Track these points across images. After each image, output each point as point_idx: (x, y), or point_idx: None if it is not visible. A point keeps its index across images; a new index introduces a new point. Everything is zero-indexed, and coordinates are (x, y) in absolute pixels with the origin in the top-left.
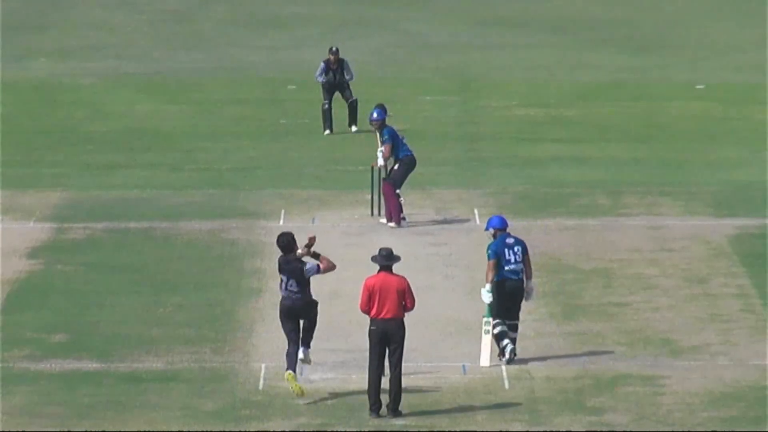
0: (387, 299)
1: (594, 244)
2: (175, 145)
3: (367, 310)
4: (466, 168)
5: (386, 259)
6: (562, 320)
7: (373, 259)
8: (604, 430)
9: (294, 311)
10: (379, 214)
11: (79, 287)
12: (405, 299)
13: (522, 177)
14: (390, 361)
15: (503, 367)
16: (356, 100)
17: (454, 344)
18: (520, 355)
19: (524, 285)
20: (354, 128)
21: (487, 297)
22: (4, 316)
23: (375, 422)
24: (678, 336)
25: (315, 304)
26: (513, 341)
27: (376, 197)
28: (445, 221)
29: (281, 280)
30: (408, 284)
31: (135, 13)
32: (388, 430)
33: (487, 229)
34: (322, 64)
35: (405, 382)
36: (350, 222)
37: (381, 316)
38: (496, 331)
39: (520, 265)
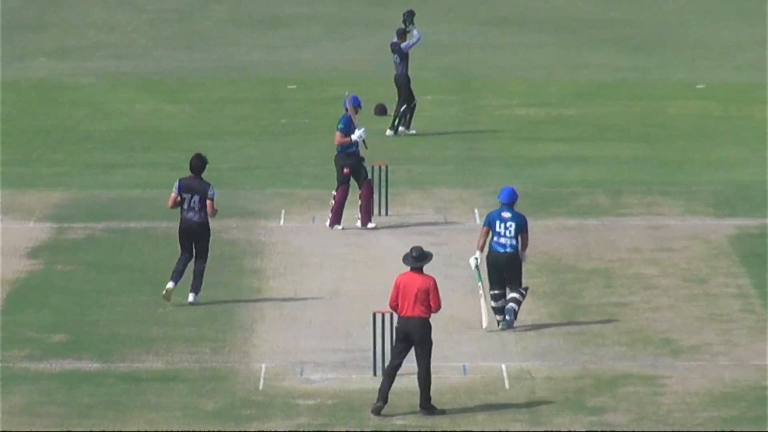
0: (409, 298)
1: (594, 244)
2: (175, 144)
3: (394, 306)
4: (467, 167)
5: (416, 260)
6: (562, 320)
7: (404, 259)
8: (604, 430)
9: (191, 231)
10: (379, 214)
11: (79, 287)
12: (429, 299)
13: (522, 177)
14: (416, 360)
15: (503, 367)
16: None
17: (454, 344)
18: (520, 354)
19: (519, 258)
20: (413, 131)
21: (472, 263)
22: (4, 316)
23: (375, 422)
24: (678, 336)
25: (209, 228)
26: (515, 302)
27: (376, 197)
28: (445, 221)
29: (185, 200)
30: (433, 284)
31: (135, 12)
32: (388, 430)
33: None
34: (417, 35)
35: (405, 382)
36: (350, 222)
37: (403, 314)
38: (491, 305)
39: (511, 240)
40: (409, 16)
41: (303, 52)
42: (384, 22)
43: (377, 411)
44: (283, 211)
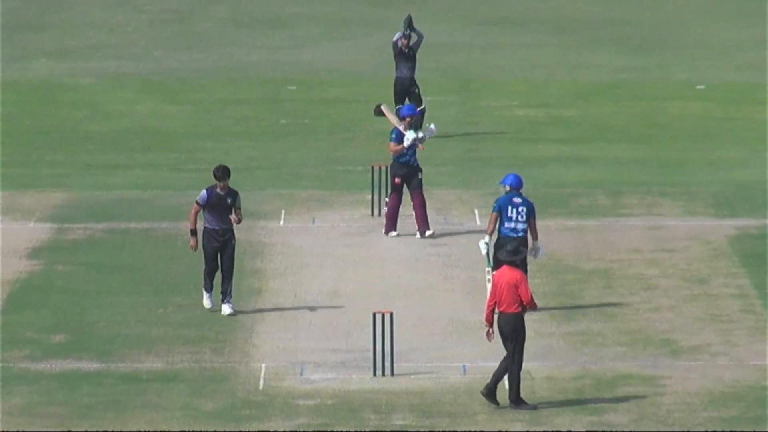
0: (500, 293)
1: (594, 245)
2: (175, 145)
3: (491, 304)
4: (467, 168)
5: (511, 255)
6: (562, 320)
7: (500, 253)
8: (604, 430)
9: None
10: (380, 214)
11: (79, 287)
12: (520, 294)
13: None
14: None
15: None
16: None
17: (454, 344)
18: None
19: (527, 243)
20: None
21: (483, 247)
22: (4, 316)
23: (375, 422)
24: (678, 336)
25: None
26: None
27: (376, 197)
28: (445, 222)
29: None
30: (520, 277)
31: (135, 13)
32: (389, 430)
33: (501, 183)
34: (395, 39)
35: (404, 382)
36: (350, 222)
37: (499, 309)
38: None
39: (522, 225)
40: (405, 21)
41: (303, 52)
42: (384, 22)
43: (485, 396)
44: (283, 212)
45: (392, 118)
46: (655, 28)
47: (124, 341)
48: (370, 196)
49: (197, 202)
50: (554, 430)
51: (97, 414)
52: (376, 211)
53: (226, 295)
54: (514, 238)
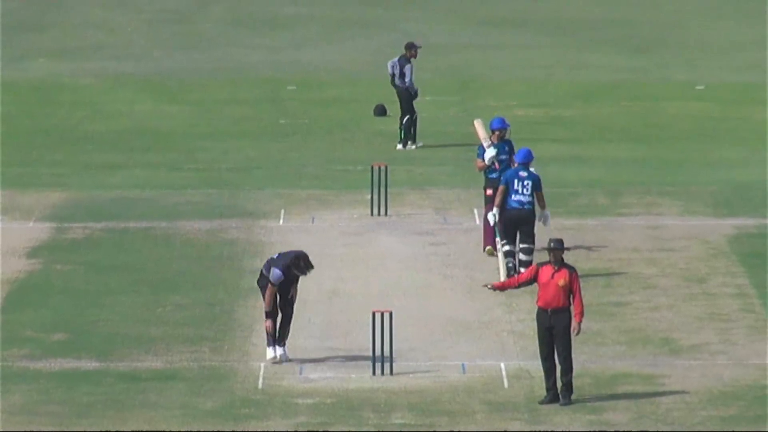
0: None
1: (593, 244)
2: (175, 145)
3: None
4: (466, 168)
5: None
6: None
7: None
8: (603, 429)
9: None
10: (379, 214)
11: (78, 287)
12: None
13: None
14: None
15: (502, 366)
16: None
17: (453, 343)
18: (519, 354)
19: (535, 214)
20: (419, 144)
21: (491, 219)
22: (4, 316)
23: (374, 422)
24: (677, 335)
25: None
26: (524, 264)
27: (376, 197)
28: (444, 221)
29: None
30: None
31: (135, 13)
32: (388, 429)
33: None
34: (409, 65)
35: (403, 381)
36: (349, 222)
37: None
38: (503, 249)
39: (527, 197)
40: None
41: (302, 53)
42: (383, 23)
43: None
44: (282, 212)
45: (481, 134)
46: (655, 28)
47: (123, 340)
48: (369, 196)
49: (271, 283)
50: (553, 429)
51: (96, 413)
52: (375, 211)
53: (283, 339)
54: (520, 209)
